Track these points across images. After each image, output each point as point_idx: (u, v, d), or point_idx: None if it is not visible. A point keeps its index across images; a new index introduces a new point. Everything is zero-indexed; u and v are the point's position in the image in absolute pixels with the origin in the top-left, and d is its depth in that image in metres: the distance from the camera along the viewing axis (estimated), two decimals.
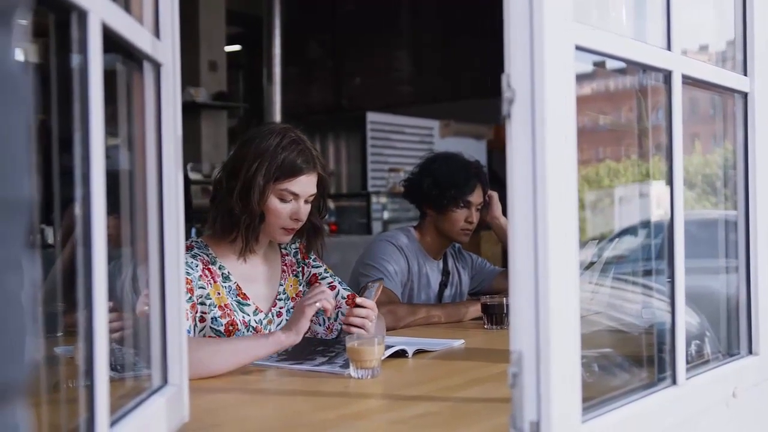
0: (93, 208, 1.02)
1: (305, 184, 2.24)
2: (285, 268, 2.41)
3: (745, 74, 1.83)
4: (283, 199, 2.22)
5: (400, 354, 2.13)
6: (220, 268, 2.25)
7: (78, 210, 1.02)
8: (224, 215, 2.23)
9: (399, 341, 2.21)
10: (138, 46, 1.25)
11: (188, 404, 1.45)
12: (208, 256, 2.24)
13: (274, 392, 1.81)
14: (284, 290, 2.38)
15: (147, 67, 1.35)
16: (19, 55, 0.61)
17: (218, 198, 2.25)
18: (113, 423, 1.11)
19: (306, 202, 2.26)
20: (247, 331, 2.23)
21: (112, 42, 1.12)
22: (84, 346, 1.02)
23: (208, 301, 2.17)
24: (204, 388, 1.78)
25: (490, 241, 6.61)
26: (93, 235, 1.02)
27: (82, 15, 1.00)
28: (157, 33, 1.37)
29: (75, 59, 1.03)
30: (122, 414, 1.19)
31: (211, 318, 2.18)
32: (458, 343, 2.39)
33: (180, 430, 1.42)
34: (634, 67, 1.61)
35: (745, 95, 1.83)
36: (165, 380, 1.39)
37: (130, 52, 1.27)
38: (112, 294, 1.09)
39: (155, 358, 1.39)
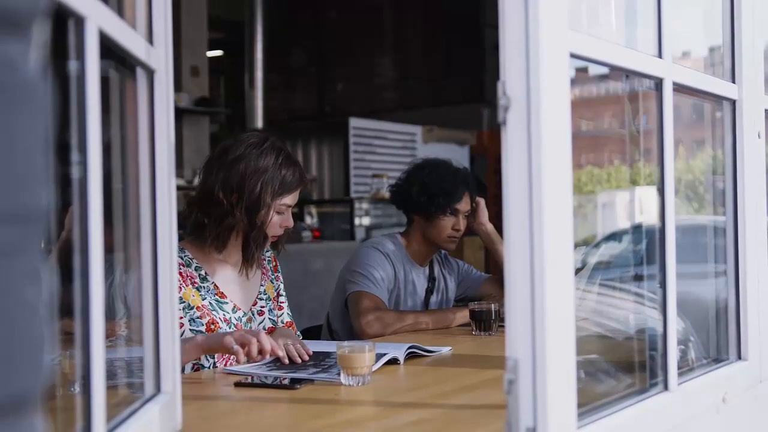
0: (90, 214, 1.01)
1: (297, 195, 2.37)
2: (264, 270, 2.49)
3: (733, 81, 1.84)
4: (279, 212, 2.33)
5: (391, 361, 2.13)
6: (196, 270, 2.30)
7: (75, 216, 1.01)
8: (226, 231, 2.29)
9: (389, 347, 2.21)
10: (132, 53, 1.24)
11: (181, 412, 1.44)
12: (182, 258, 2.26)
13: (265, 400, 1.80)
14: (264, 290, 2.46)
15: (140, 73, 1.34)
16: (36, 64, 0.61)
17: (217, 214, 2.27)
18: None
19: (292, 209, 2.39)
20: (229, 328, 2.29)
21: (106, 48, 1.12)
22: (81, 354, 1.01)
23: (181, 305, 2.21)
24: (196, 397, 1.77)
25: (473, 246, 6.63)
26: (90, 242, 1.01)
27: (80, 21, 1.00)
28: (150, 39, 1.36)
29: (71, 65, 1.02)
30: (116, 423, 1.18)
31: (190, 320, 2.22)
32: (446, 350, 2.39)
33: None
34: (617, 73, 1.62)
35: (733, 102, 1.84)
36: (158, 388, 1.38)
37: (124, 58, 1.26)
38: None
39: (148, 366, 1.38)
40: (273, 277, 2.52)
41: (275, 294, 2.50)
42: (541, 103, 1.17)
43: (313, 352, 2.24)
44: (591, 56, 1.35)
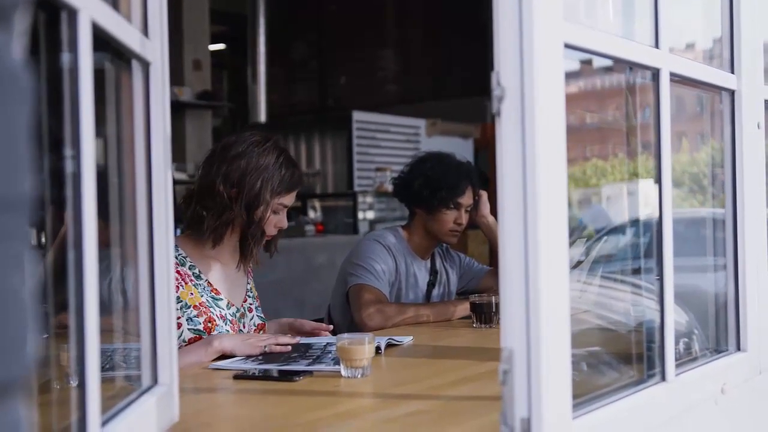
0: (83, 208, 1.01)
1: (294, 197, 2.40)
2: (249, 270, 2.52)
3: (732, 72, 1.83)
4: (275, 212, 2.35)
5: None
6: (190, 268, 2.33)
7: (68, 211, 1.01)
8: (224, 225, 2.31)
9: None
10: (127, 45, 1.24)
11: (178, 404, 1.45)
12: (176, 257, 2.27)
13: (264, 392, 1.80)
14: (250, 288, 2.50)
15: (135, 65, 1.35)
16: (19, 54, 0.61)
17: (215, 208, 2.29)
18: (104, 423, 1.11)
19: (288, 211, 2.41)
20: (225, 324, 2.31)
21: (101, 40, 1.12)
22: (75, 347, 1.02)
23: (179, 304, 2.23)
24: (194, 389, 1.78)
25: (477, 240, 6.62)
26: (84, 236, 1.01)
27: (72, 13, 1.00)
28: (145, 31, 1.36)
29: (65, 58, 1.02)
30: (113, 414, 1.19)
31: (187, 319, 2.24)
32: (408, 339, 2.41)
33: (170, 430, 1.42)
34: (621, 65, 1.62)
35: (732, 93, 1.84)
36: (155, 380, 1.39)
37: (119, 50, 1.26)
38: (100, 295, 1.09)
39: (145, 358, 1.38)
40: (252, 277, 2.57)
41: (257, 293, 2.55)
42: (535, 94, 1.17)
43: (297, 344, 2.25)
44: (586, 47, 1.34)
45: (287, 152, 2.39)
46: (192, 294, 2.28)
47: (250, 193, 2.28)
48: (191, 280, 2.30)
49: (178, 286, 2.23)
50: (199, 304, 2.27)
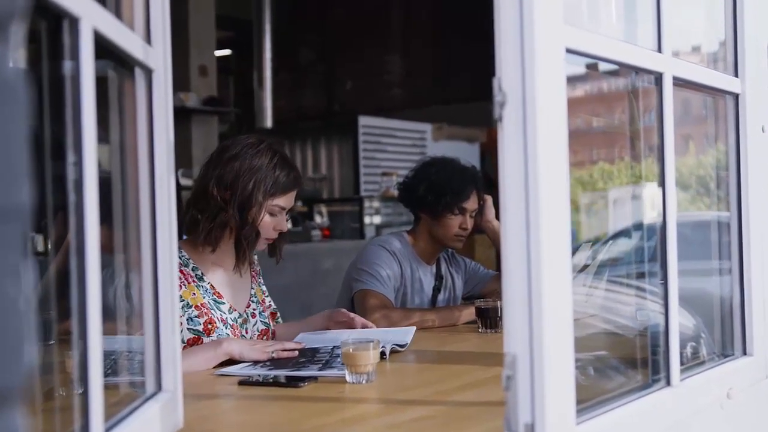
0: (86, 215, 1.02)
1: (292, 198, 2.39)
2: (254, 274, 2.53)
3: (737, 75, 1.83)
4: (272, 213, 2.34)
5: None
6: (193, 270, 2.33)
7: (71, 217, 1.02)
8: (219, 228, 2.31)
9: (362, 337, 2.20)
10: (129, 53, 1.25)
11: (182, 411, 1.45)
12: (180, 258, 2.28)
13: (269, 398, 1.80)
14: (254, 294, 2.50)
15: (138, 73, 1.35)
16: (16, 62, 0.61)
17: (210, 210, 2.30)
18: (108, 429, 1.11)
19: (287, 213, 2.40)
20: (225, 328, 2.31)
21: (103, 48, 1.12)
22: (78, 353, 1.02)
23: (180, 303, 2.23)
24: (198, 395, 1.78)
25: (484, 244, 6.61)
26: (86, 243, 1.02)
27: (74, 22, 1.00)
28: (148, 39, 1.37)
29: (66, 65, 1.02)
30: (116, 420, 1.19)
31: (188, 319, 2.25)
32: (411, 331, 2.44)
33: None
34: (625, 69, 1.62)
35: (736, 96, 1.83)
36: (159, 387, 1.39)
37: (122, 58, 1.27)
38: (105, 302, 1.09)
39: (149, 364, 1.38)
40: (260, 282, 2.56)
41: (263, 297, 2.54)
42: (536, 99, 1.17)
43: (304, 349, 2.24)
44: (588, 51, 1.34)
45: (283, 154, 2.38)
46: (194, 294, 2.29)
47: (243, 194, 2.28)
48: (194, 281, 2.30)
49: (180, 285, 2.24)
50: (201, 304, 2.28)
